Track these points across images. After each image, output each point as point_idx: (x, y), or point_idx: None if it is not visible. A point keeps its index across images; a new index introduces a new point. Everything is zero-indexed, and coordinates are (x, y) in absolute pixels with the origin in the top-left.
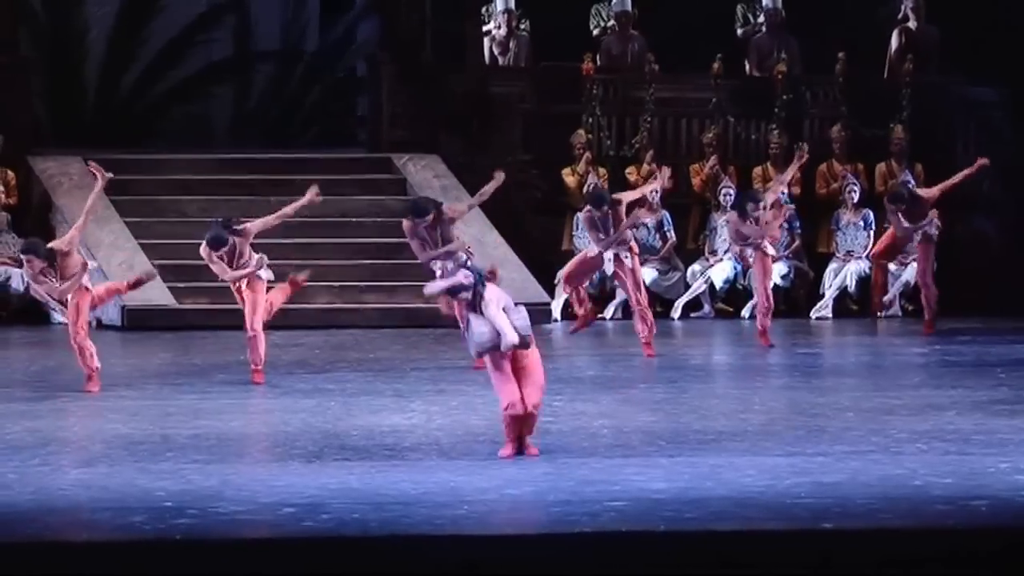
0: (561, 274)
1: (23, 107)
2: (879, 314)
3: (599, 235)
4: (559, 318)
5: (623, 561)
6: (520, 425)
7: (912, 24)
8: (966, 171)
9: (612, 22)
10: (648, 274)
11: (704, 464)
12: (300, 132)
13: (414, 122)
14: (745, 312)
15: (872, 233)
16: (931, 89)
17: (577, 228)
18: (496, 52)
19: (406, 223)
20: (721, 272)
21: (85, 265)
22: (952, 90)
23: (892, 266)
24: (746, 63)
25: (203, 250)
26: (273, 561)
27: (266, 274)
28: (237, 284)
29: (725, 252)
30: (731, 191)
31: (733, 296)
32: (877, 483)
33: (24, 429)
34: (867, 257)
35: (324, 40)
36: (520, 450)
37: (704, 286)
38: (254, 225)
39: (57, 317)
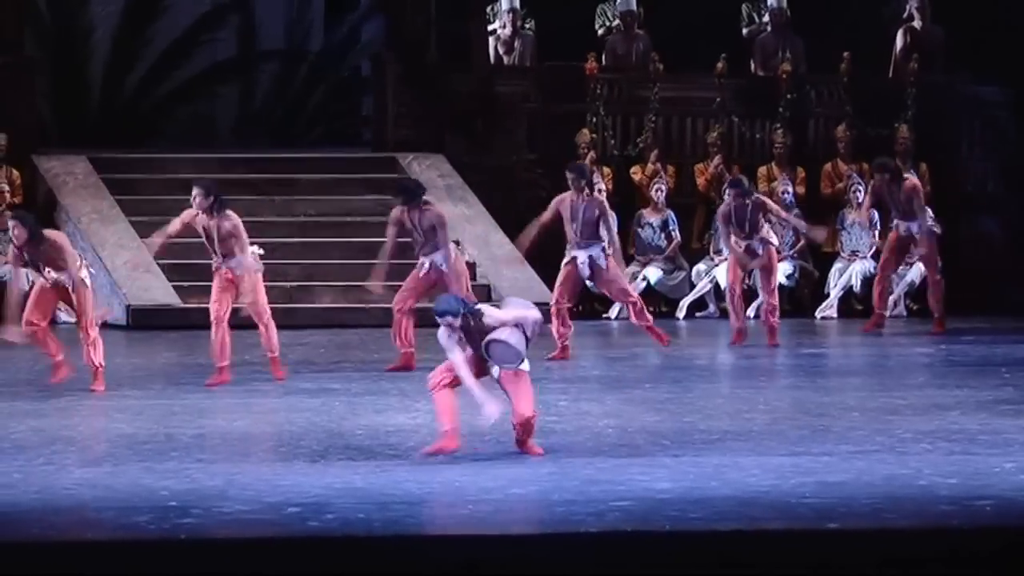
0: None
1: (28, 107)
2: (880, 327)
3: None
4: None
5: (627, 561)
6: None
7: (917, 23)
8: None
9: (617, 21)
10: (653, 274)
11: (709, 464)
12: (304, 132)
13: (419, 122)
14: (750, 312)
15: (877, 233)
16: (936, 89)
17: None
18: (501, 52)
19: (396, 210)
20: (726, 272)
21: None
22: (957, 90)
23: None
24: (751, 62)
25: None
26: (278, 561)
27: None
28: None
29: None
30: None
31: (737, 296)
32: (882, 483)
33: (29, 428)
34: (872, 257)
35: (329, 40)
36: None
37: (709, 286)
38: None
39: (62, 316)
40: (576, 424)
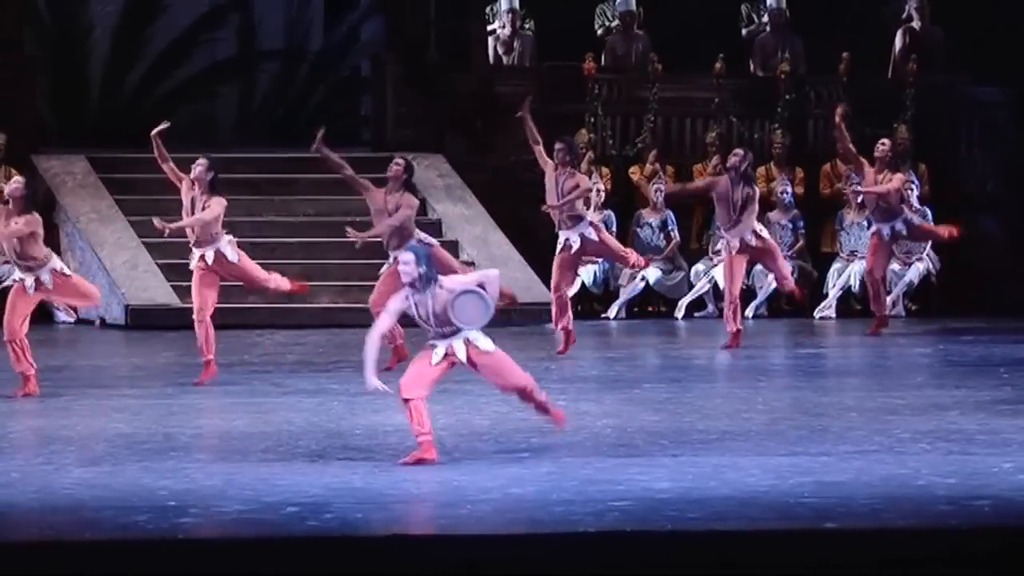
0: (553, 288)
1: (27, 106)
2: (885, 327)
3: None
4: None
5: (627, 561)
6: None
7: (916, 24)
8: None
9: (616, 22)
10: (652, 274)
11: (707, 464)
12: (304, 131)
13: (418, 122)
14: (749, 312)
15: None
16: (935, 89)
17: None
18: (500, 52)
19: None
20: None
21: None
22: (957, 90)
23: (896, 266)
24: (750, 63)
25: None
26: (276, 561)
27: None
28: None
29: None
30: None
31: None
32: (880, 483)
33: (27, 428)
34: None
35: (328, 39)
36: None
37: (708, 286)
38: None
39: (61, 316)
40: (575, 424)
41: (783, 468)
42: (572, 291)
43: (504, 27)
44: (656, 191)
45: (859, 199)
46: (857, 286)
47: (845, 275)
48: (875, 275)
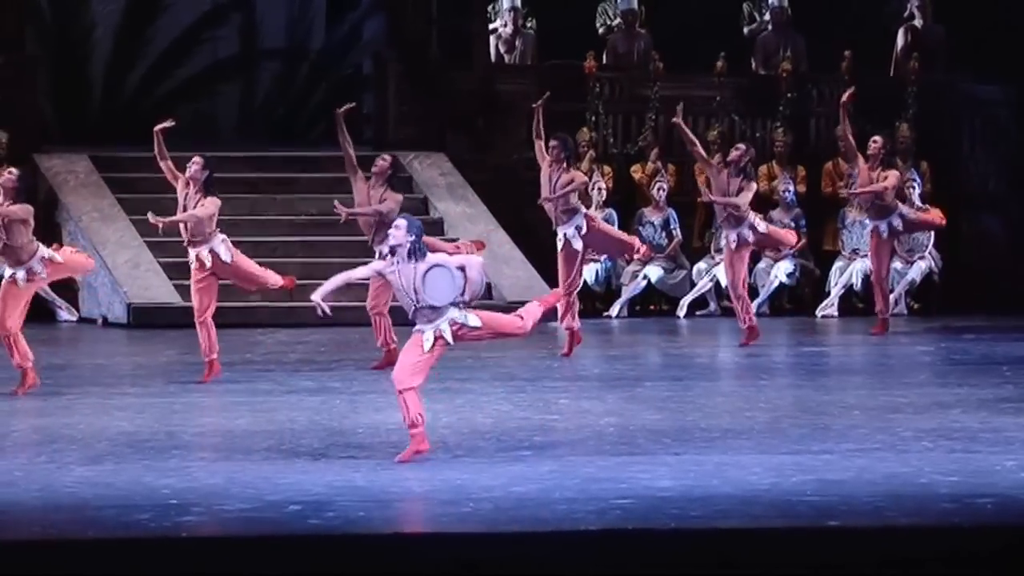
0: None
1: (29, 105)
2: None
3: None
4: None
5: (629, 559)
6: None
7: (918, 22)
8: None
9: (618, 20)
10: (654, 272)
11: (710, 462)
12: (306, 130)
13: (420, 120)
14: (751, 309)
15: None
16: (937, 87)
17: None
18: (502, 50)
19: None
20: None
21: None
22: (958, 88)
23: (898, 264)
24: (752, 61)
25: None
26: (279, 559)
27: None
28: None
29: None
30: None
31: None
32: (883, 481)
33: (30, 426)
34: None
35: (330, 38)
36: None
37: (710, 284)
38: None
39: (63, 315)
40: (577, 422)
41: (785, 466)
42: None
43: (506, 25)
44: (658, 190)
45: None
46: (859, 284)
47: (847, 273)
48: (880, 275)
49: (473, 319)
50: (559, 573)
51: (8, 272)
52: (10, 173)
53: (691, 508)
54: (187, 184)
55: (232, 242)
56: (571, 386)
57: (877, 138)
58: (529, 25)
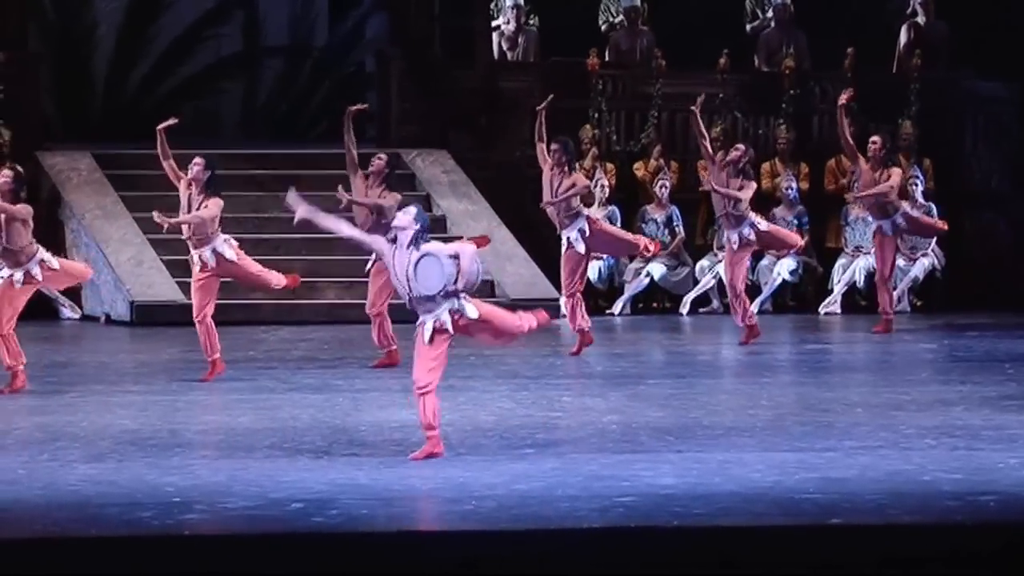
0: (563, 289)
1: (32, 102)
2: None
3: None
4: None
5: (631, 557)
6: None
7: (921, 19)
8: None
9: (620, 17)
10: (657, 269)
11: (713, 460)
12: (309, 128)
13: (423, 118)
14: (754, 307)
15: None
16: (940, 84)
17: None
18: (505, 47)
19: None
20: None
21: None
22: (961, 85)
23: (901, 261)
24: (754, 58)
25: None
26: (281, 557)
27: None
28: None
29: None
30: None
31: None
32: (885, 479)
33: (33, 424)
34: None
35: (333, 36)
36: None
37: (713, 282)
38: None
39: (66, 312)
40: (580, 420)
41: (788, 464)
42: None
43: (508, 23)
44: (660, 187)
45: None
46: (862, 282)
47: (850, 271)
48: (884, 275)
49: (471, 309)
50: (562, 571)
51: (6, 273)
52: (4, 175)
53: (694, 506)
54: (189, 185)
55: (235, 239)
56: (574, 384)
57: (875, 138)
58: (532, 22)
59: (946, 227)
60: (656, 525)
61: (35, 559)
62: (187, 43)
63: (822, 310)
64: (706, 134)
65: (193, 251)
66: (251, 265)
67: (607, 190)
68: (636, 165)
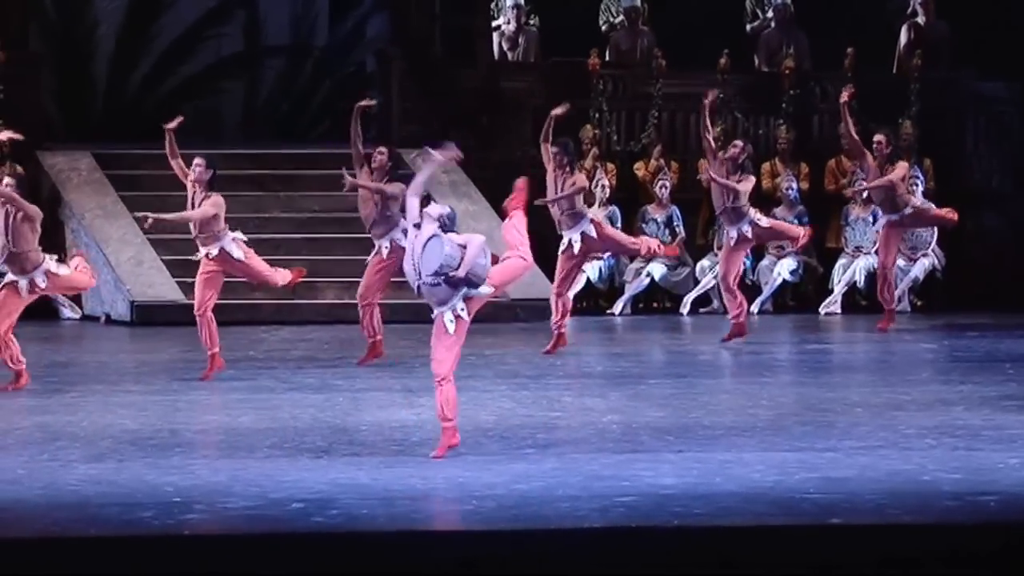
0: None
1: (33, 102)
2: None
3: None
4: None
5: (632, 557)
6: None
7: (921, 19)
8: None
9: (621, 17)
10: (657, 270)
11: (713, 460)
12: (310, 127)
13: (423, 117)
14: (754, 307)
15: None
16: (940, 84)
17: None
18: (505, 47)
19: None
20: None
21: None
22: (962, 85)
23: (901, 261)
24: (755, 58)
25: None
26: (282, 557)
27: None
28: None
29: None
30: None
31: (742, 291)
32: (886, 478)
33: (33, 424)
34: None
35: (334, 35)
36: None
37: (713, 281)
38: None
39: (66, 312)
40: (580, 420)
41: (788, 464)
42: (575, 289)
43: (509, 23)
44: (661, 187)
45: (865, 194)
46: (862, 282)
47: (850, 271)
48: (886, 266)
49: (485, 289)
50: (562, 571)
51: (11, 277)
52: (7, 185)
53: (694, 506)
54: (194, 185)
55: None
56: (574, 383)
57: (880, 137)
58: (532, 22)
59: (956, 216)
60: (656, 525)
61: (35, 559)
62: (188, 43)
63: (822, 310)
64: (711, 128)
65: (201, 248)
66: (259, 264)
67: (607, 190)
68: (636, 165)
